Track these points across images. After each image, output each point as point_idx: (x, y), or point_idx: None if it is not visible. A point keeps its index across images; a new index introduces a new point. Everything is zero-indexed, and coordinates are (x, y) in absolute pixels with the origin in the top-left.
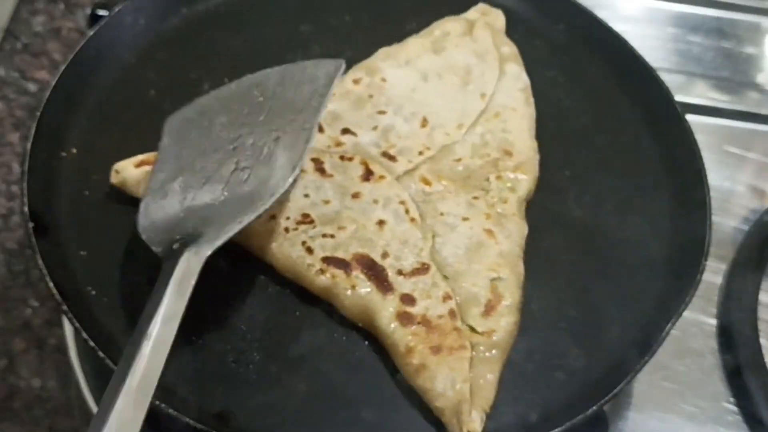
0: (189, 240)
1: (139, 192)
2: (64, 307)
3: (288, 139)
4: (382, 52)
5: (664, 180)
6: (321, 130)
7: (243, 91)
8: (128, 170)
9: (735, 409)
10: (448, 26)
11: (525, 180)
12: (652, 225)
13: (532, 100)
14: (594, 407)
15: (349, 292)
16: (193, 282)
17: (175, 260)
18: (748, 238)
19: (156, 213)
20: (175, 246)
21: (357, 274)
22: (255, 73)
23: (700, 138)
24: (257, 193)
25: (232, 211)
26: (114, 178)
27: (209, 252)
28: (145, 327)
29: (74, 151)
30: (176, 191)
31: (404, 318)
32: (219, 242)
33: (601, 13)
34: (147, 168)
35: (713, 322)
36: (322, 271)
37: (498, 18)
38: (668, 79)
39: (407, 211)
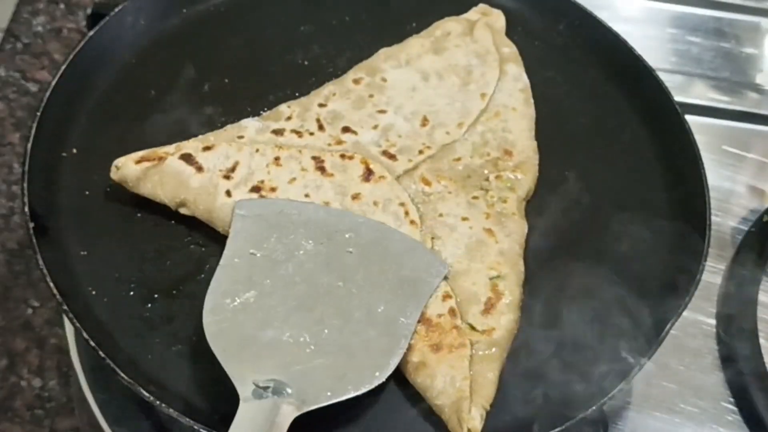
0: (277, 388)
1: (139, 189)
2: (65, 307)
3: (382, 321)
4: (383, 52)
5: (664, 180)
6: (322, 128)
7: (332, 225)
8: (128, 166)
9: (735, 409)
10: (449, 26)
11: (524, 180)
12: (652, 225)
13: (531, 100)
14: (594, 407)
15: None
16: None
17: (262, 408)
18: (747, 238)
19: (231, 326)
20: (263, 391)
21: None
22: (345, 211)
23: (700, 138)
24: (342, 373)
25: (319, 373)
26: (114, 174)
27: (298, 413)
28: None
29: (74, 151)
30: (252, 308)
31: None
32: (309, 408)
33: (601, 14)
34: (147, 164)
35: (713, 322)
36: None
37: (498, 18)
38: (668, 79)
39: (407, 213)
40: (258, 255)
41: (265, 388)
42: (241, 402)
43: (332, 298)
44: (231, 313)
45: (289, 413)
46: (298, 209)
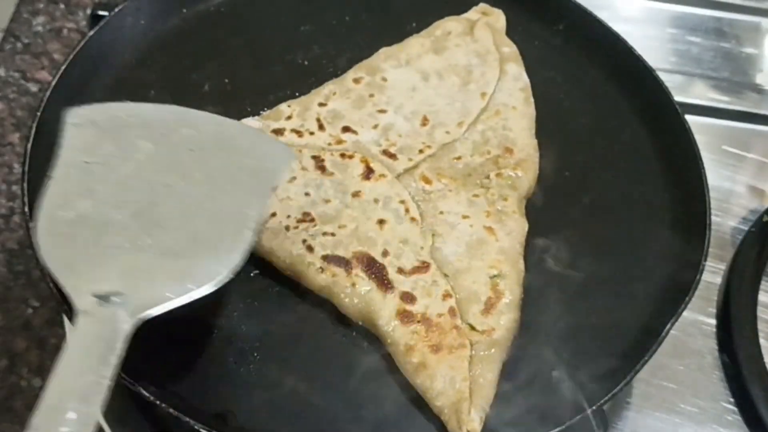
0: (116, 296)
1: None
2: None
3: (225, 216)
4: (383, 52)
5: (664, 180)
6: (322, 128)
7: (171, 124)
8: None
9: (734, 409)
10: (449, 26)
11: (525, 177)
12: (652, 225)
13: (531, 99)
14: (594, 407)
15: (349, 290)
16: (122, 350)
17: (101, 318)
18: (747, 238)
19: (65, 239)
20: (102, 300)
21: (357, 272)
22: (183, 108)
23: (700, 138)
24: (188, 270)
25: (160, 276)
26: None
27: (141, 319)
28: (59, 406)
29: None
30: (88, 217)
31: (404, 316)
32: (152, 312)
33: (601, 13)
34: None
35: (713, 322)
36: (322, 270)
37: (499, 18)
38: (668, 79)
39: (407, 211)
40: (92, 162)
41: (104, 298)
42: (79, 315)
43: (172, 198)
44: (66, 226)
45: (129, 319)
46: (134, 110)
